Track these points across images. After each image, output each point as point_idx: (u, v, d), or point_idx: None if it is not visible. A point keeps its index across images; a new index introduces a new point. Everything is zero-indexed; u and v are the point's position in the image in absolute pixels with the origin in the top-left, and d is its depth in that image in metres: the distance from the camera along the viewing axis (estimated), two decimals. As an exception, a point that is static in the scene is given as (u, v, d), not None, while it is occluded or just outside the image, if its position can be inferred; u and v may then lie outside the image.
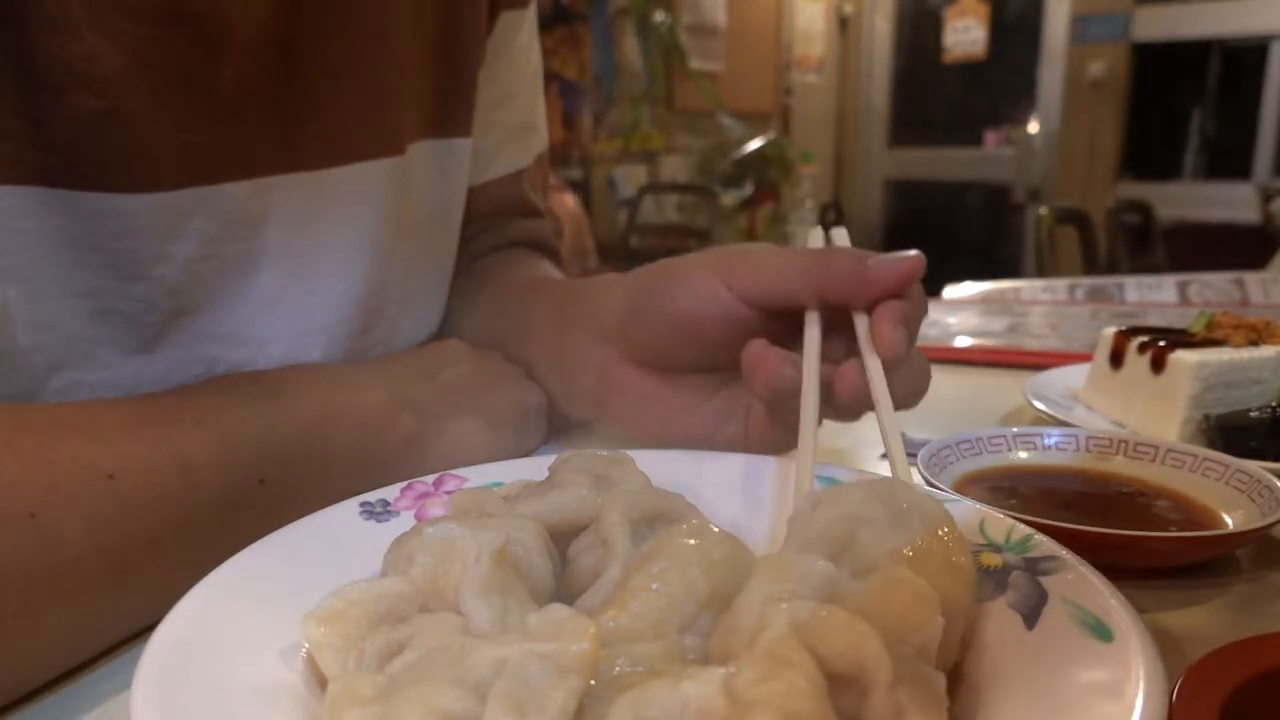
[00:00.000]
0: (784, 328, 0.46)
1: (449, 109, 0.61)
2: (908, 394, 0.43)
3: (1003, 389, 0.76)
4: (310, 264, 0.52)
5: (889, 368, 0.42)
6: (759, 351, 0.43)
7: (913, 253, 0.44)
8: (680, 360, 0.50)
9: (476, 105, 0.64)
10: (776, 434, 0.47)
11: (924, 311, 0.46)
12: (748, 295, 0.46)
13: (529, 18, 0.71)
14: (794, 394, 0.42)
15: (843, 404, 0.43)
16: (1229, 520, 0.45)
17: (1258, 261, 2.04)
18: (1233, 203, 4.17)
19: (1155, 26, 4.44)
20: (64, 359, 0.45)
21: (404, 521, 0.37)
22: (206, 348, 0.49)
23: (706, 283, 0.47)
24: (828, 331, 0.45)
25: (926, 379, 0.45)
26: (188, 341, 0.49)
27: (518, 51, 0.70)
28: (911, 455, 0.54)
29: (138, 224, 0.45)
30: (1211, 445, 0.56)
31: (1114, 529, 0.40)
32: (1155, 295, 1.35)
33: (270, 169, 0.49)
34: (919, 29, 5.27)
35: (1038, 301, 1.34)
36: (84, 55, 0.40)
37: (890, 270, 0.43)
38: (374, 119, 0.54)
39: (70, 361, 0.45)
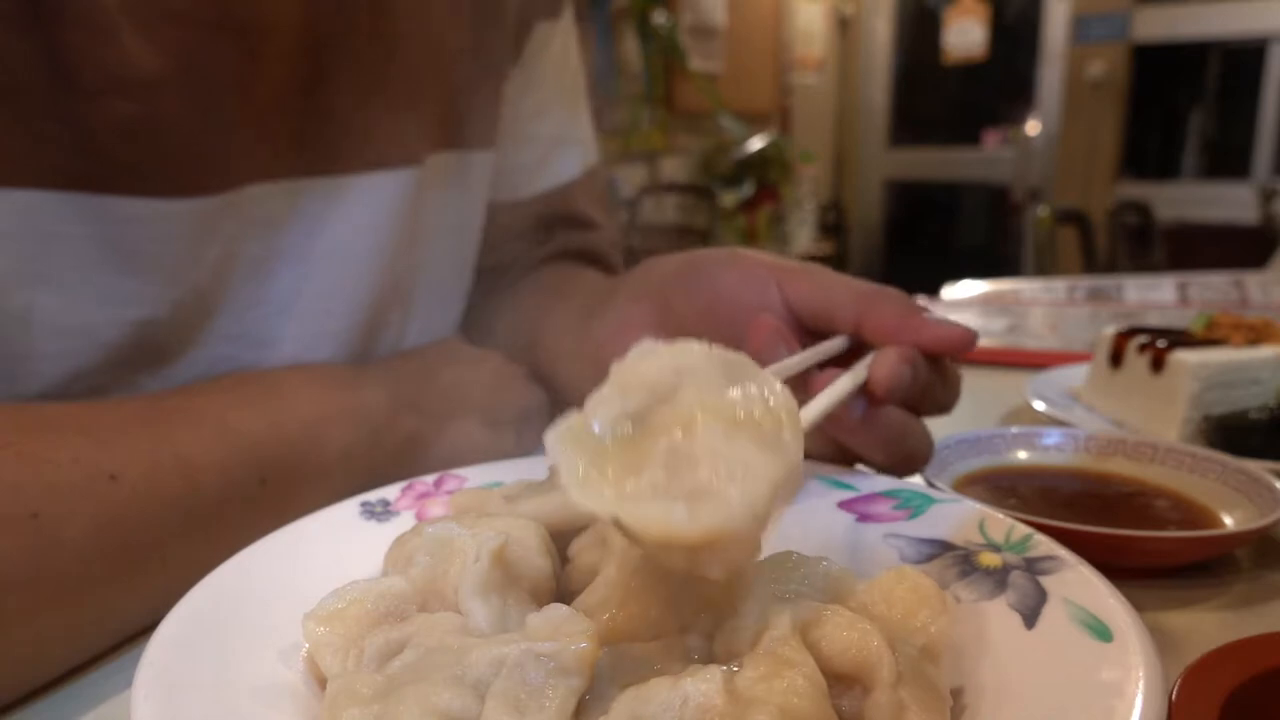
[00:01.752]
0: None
1: (469, 122, 0.61)
2: (905, 457, 0.42)
3: (1003, 389, 0.76)
4: (325, 267, 0.52)
5: (873, 399, 0.39)
6: (766, 320, 0.43)
7: (968, 326, 0.42)
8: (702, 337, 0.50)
9: (515, 117, 0.63)
10: None
11: (954, 396, 0.44)
12: (794, 302, 0.46)
13: (562, 29, 0.70)
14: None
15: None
16: (1228, 520, 0.45)
17: (1257, 261, 2.04)
18: (1232, 203, 4.17)
19: (1155, 26, 4.44)
20: (90, 365, 0.44)
21: (404, 521, 0.37)
22: (222, 349, 0.49)
23: (761, 276, 0.47)
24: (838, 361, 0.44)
25: (928, 449, 0.43)
26: (206, 343, 0.49)
27: (550, 62, 0.69)
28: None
29: (178, 230, 0.44)
30: (1211, 445, 0.56)
31: (1114, 529, 0.40)
32: (1155, 295, 1.35)
33: (291, 172, 0.49)
34: (919, 29, 5.26)
35: (1038, 301, 1.34)
36: (119, 59, 0.40)
37: (936, 328, 0.41)
38: (394, 128, 0.54)
39: (96, 367, 0.44)
